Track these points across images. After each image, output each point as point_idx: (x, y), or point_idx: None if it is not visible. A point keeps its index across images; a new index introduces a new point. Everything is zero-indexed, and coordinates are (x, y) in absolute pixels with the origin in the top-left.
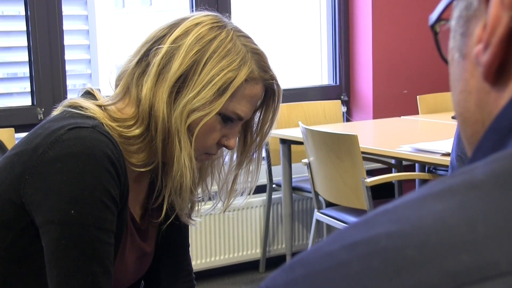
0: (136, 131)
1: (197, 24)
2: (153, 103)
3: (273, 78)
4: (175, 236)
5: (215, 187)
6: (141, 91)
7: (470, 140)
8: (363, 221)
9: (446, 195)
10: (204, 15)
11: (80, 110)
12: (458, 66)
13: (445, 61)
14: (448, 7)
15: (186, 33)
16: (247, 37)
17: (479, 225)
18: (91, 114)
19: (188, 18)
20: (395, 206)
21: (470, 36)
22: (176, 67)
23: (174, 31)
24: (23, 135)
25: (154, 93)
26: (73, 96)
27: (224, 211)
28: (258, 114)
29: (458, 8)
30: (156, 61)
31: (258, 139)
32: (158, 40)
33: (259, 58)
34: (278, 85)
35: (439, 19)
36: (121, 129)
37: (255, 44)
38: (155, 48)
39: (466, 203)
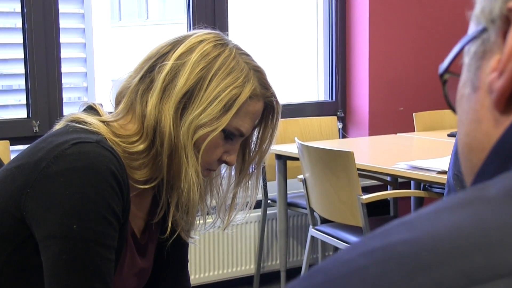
0: (140, 147)
1: (201, 41)
2: (159, 119)
3: (273, 95)
4: (175, 252)
5: (213, 203)
6: (146, 107)
7: (475, 169)
8: (380, 232)
9: (460, 208)
10: (206, 32)
11: (84, 125)
12: (468, 100)
13: (453, 110)
14: (458, 55)
15: (190, 50)
16: (247, 54)
17: (492, 231)
18: (94, 129)
19: (191, 35)
20: (410, 218)
21: (483, 69)
22: (182, 83)
23: (178, 47)
24: (18, 147)
25: (159, 109)
26: (69, 109)
27: (224, 229)
28: (256, 131)
29: (474, 45)
30: (161, 77)
31: (257, 156)
32: (161, 56)
33: (260, 76)
34: (277, 102)
35: (448, 68)
36: (124, 144)
37: (255, 62)
38: (159, 64)
39: (480, 214)
